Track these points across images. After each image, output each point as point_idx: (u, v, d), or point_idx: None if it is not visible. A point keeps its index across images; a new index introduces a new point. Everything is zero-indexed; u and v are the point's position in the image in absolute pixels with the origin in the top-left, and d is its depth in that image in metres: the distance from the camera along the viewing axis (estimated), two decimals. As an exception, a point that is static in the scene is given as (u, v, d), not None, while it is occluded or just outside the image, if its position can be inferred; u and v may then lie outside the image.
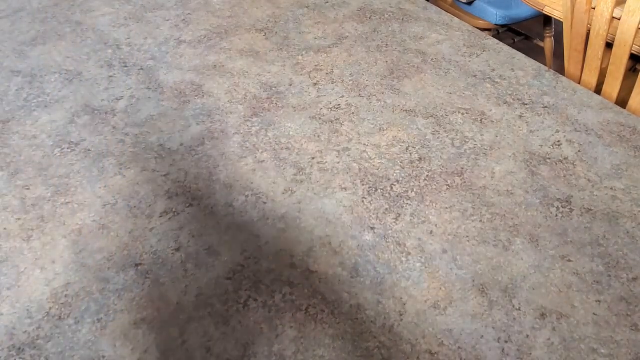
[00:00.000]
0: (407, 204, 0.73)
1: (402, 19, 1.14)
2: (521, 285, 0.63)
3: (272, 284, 0.63)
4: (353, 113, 0.89)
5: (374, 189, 0.75)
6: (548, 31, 2.06)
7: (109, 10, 1.18)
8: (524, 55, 1.02)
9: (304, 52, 1.03)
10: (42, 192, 0.75)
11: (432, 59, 1.01)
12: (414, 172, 0.78)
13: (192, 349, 0.57)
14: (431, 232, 0.69)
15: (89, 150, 0.82)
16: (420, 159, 0.80)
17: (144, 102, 0.91)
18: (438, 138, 0.84)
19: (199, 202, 0.73)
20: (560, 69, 2.29)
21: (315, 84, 0.95)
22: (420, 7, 1.18)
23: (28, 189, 0.76)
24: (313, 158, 0.80)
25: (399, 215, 0.71)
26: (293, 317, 0.60)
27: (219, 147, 0.82)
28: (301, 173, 0.78)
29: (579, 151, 0.81)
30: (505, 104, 0.90)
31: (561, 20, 1.31)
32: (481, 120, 0.87)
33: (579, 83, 1.30)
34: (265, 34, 1.09)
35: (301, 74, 0.98)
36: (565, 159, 0.80)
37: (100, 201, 0.73)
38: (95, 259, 0.66)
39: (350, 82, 0.96)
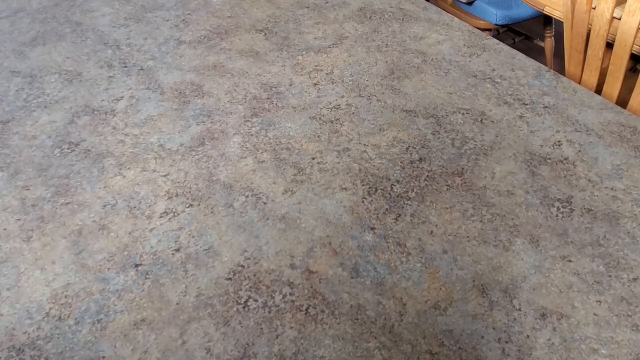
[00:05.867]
0: (407, 204, 0.73)
1: (402, 19, 1.14)
2: (521, 285, 0.63)
3: (272, 284, 0.63)
4: (353, 113, 0.89)
5: (374, 189, 0.75)
6: (548, 31, 2.06)
7: (108, 10, 1.18)
8: (524, 55, 1.02)
9: (304, 52, 1.03)
10: (41, 193, 0.75)
11: (432, 59, 1.01)
12: (414, 172, 0.78)
13: (192, 349, 0.57)
14: (431, 232, 0.69)
15: (89, 150, 0.82)
16: (420, 159, 0.80)
17: (143, 103, 0.91)
18: (438, 138, 0.84)
19: (198, 202, 0.73)
20: (560, 68, 2.29)
21: (315, 84, 0.95)
22: (420, 7, 1.18)
23: (28, 189, 0.75)
24: (313, 158, 0.80)
25: (399, 215, 0.71)
26: (293, 318, 0.60)
27: (219, 148, 0.82)
28: (301, 173, 0.78)
29: (580, 151, 0.81)
30: (505, 104, 0.90)
31: (561, 20, 1.31)
32: (481, 120, 0.87)
33: (579, 83, 1.30)
34: (265, 34, 1.09)
35: (301, 74, 0.98)
36: (566, 159, 0.80)
37: (100, 201, 0.73)
38: (95, 260, 0.66)
39: (350, 82, 0.96)
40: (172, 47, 1.05)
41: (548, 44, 2.08)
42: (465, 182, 0.76)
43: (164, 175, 0.78)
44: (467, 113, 0.88)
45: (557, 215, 0.71)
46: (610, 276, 0.64)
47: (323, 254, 0.66)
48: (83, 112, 0.89)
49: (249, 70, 0.99)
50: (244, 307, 0.61)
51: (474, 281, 0.63)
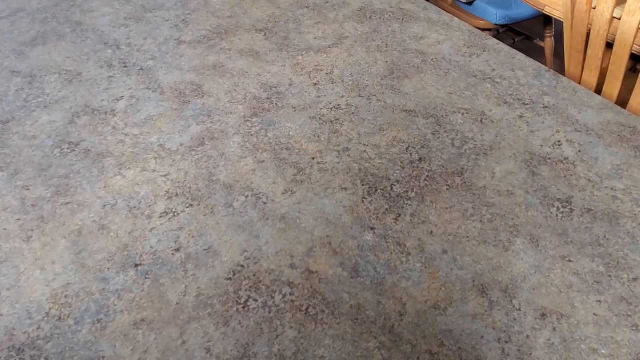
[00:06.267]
0: (407, 204, 0.73)
1: (402, 19, 1.14)
2: (521, 285, 0.63)
3: (272, 284, 0.63)
4: (353, 113, 0.89)
5: (374, 189, 0.75)
6: (548, 31, 2.06)
7: (108, 10, 1.18)
8: (524, 55, 1.02)
9: (304, 52, 1.03)
10: (41, 193, 0.75)
11: (432, 59, 1.01)
12: (414, 172, 0.78)
13: (192, 349, 0.57)
14: (431, 232, 0.69)
15: (89, 150, 0.82)
16: (420, 159, 0.80)
17: (143, 102, 0.91)
18: (438, 138, 0.84)
19: (198, 202, 0.73)
20: (560, 68, 2.29)
21: (315, 84, 0.95)
22: (420, 7, 1.18)
23: (28, 189, 0.75)
24: (313, 158, 0.80)
25: (399, 215, 0.71)
26: (293, 318, 0.60)
27: (219, 147, 0.82)
28: (301, 173, 0.78)
29: (580, 151, 0.81)
30: (505, 104, 0.90)
31: (561, 20, 1.31)
32: (481, 120, 0.87)
33: (579, 83, 1.30)
34: (265, 34, 1.09)
35: (301, 74, 0.98)
36: (566, 159, 0.80)
37: (100, 201, 0.73)
38: (95, 260, 0.66)
39: (350, 82, 0.96)
40: (172, 47, 1.05)
41: (548, 44, 2.08)
42: (465, 182, 0.76)
43: (164, 175, 0.78)
44: (467, 113, 0.88)
45: (557, 215, 0.71)
46: (610, 276, 0.64)
47: (323, 254, 0.66)
48: (83, 112, 0.89)
49: (249, 70, 0.99)
50: (244, 307, 0.61)
51: (474, 281, 0.63)
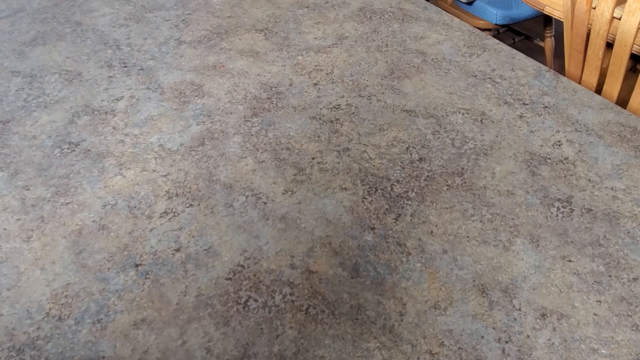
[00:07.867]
0: (408, 204, 0.73)
1: (402, 19, 1.14)
2: (521, 285, 0.63)
3: (272, 284, 0.63)
4: (353, 113, 0.89)
5: (374, 189, 0.75)
6: (548, 31, 2.06)
7: (108, 10, 1.18)
8: (524, 55, 1.02)
9: (304, 52, 1.03)
10: (41, 193, 0.75)
11: (432, 59, 1.01)
12: (414, 172, 0.78)
13: (192, 349, 0.57)
14: (431, 232, 0.69)
15: (89, 150, 0.82)
16: (420, 159, 0.80)
17: (143, 102, 0.91)
18: (438, 138, 0.84)
19: (198, 202, 0.73)
20: (560, 68, 2.29)
21: (315, 84, 0.95)
22: (420, 7, 1.18)
23: (28, 189, 0.75)
24: (313, 158, 0.80)
25: (399, 215, 0.71)
26: (293, 318, 0.60)
27: (219, 147, 0.82)
28: (301, 173, 0.78)
29: (580, 151, 0.81)
30: (505, 104, 0.90)
31: (561, 20, 1.31)
32: (481, 120, 0.87)
33: (580, 83, 1.30)
34: (265, 34, 1.09)
35: (301, 74, 0.98)
36: (566, 159, 0.80)
37: (100, 201, 0.73)
38: (95, 260, 0.66)
39: (350, 82, 0.96)
40: (172, 47, 1.05)
41: (548, 44, 2.08)
42: (465, 182, 0.76)
43: (164, 175, 0.78)
44: (467, 113, 0.88)
45: (557, 215, 0.71)
46: (610, 276, 0.64)
47: (323, 254, 0.66)
48: (83, 112, 0.89)
49: (249, 70, 0.99)
50: (244, 307, 0.61)
51: (474, 281, 0.63)
